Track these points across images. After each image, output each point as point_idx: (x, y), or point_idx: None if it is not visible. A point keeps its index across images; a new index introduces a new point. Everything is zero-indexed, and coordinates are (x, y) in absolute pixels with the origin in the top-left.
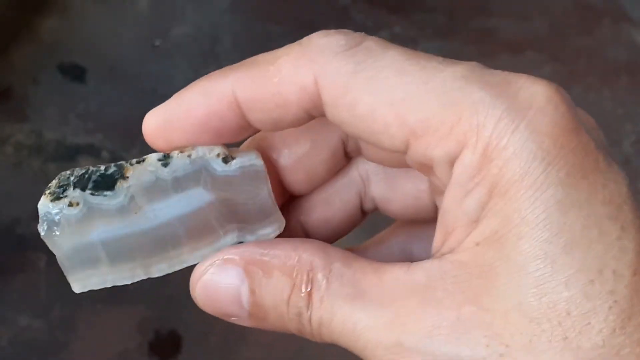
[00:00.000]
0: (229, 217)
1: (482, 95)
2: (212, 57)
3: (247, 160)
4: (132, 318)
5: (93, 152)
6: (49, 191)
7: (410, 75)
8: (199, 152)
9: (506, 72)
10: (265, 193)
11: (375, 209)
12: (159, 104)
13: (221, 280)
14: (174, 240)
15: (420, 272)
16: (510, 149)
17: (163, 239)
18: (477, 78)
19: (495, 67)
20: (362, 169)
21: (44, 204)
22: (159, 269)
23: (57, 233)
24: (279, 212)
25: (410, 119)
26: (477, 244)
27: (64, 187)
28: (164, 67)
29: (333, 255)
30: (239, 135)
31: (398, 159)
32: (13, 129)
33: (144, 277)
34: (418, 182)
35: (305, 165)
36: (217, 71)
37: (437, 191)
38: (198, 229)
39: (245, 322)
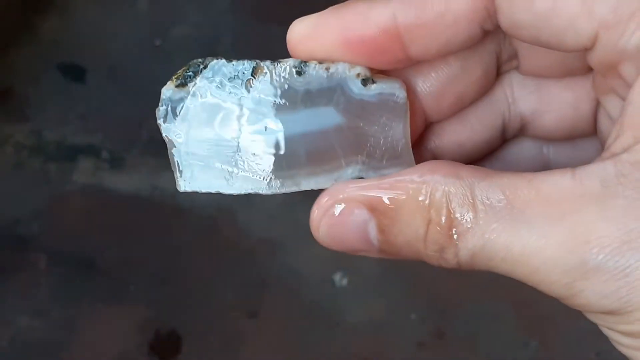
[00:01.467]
0: (355, 148)
1: None
2: (212, 57)
3: (389, 88)
4: (132, 318)
5: (93, 152)
6: (176, 76)
7: None
8: (339, 67)
9: None
10: (400, 129)
11: (518, 134)
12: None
13: (346, 220)
14: (292, 159)
15: (592, 178)
16: None
17: (281, 154)
18: None
19: None
20: (507, 85)
21: (168, 88)
22: (269, 186)
23: (175, 121)
24: (412, 156)
25: (599, 8)
26: None
27: (191, 75)
28: (164, 67)
29: (470, 178)
30: (390, 65)
31: (563, 66)
32: (13, 129)
33: (251, 192)
34: (577, 89)
35: (453, 88)
36: None
37: (604, 91)
38: (319, 153)
39: (375, 256)
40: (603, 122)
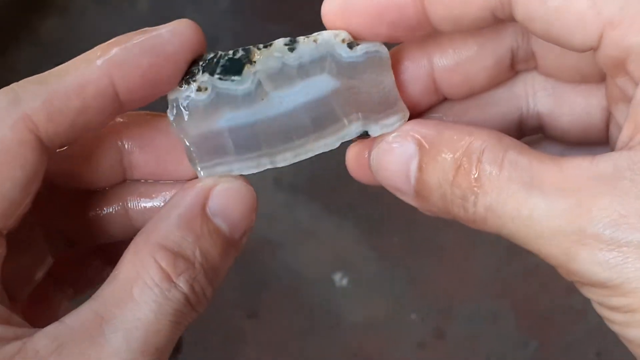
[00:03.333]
0: (354, 106)
1: None
2: None
3: (372, 46)
4: None
5: None
6: None
7: None
8: (325, 36)
9: None
10: (389, 81)
11: (535, 131)
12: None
13: (396, 150)
14: (299, 128)
15: (607, 162)
16: None
17: (288, 127)
18: None
19: None
20: (529, 83)
21: (173, 89)
22: (284, 158)
23: (186, 119)
24: (402, 103)
25: (606, 7)
26: None
27: (193, 72)
28: None
29: (508, 143)
30: (415, 31)
31: (576, 71)
32: None
33: (270, 167)
34: (590, 97)
35: (465, 67)
36: None
37: (615, 100)
38: (323, 117)
39: (411, 200)
40: (614, 132)
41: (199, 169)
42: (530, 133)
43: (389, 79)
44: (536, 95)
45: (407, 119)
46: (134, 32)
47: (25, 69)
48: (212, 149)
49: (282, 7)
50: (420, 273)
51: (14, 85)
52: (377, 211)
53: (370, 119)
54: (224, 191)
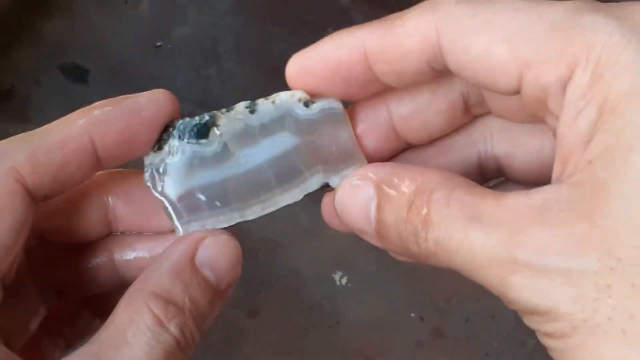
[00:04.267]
0: (314, 159)
1: (593, 19)
2: (213, 57)
3: (327, 103)
4: None
5: None
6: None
7: (522, 12)
8: (282, 97)
9: (620, 3)
10: (346, 135)
11: (496, 174)
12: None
13: (356, 193)
14: (265, 184)
15: (538, 195)
16: (620, 64)
17: (255, 183)
18: (589, 7)
19: None
20: (486, 127)
21: (148, 154)
22: (253, 212)
23: (161, 181)
24: (361, 153)
25: (522, 50)
26: (590, 162)
27: (164, 138)
28: (165, 67)
29: (456, 182)
30: (366, 88)
31: (522, 112)
32: (15, 129)
33: (240, 220)
34: (542, 136)
35: (422, 114)
36: (354, 26)
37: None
38: (286, 172)
39: (375, 241)
40: None
41: (177, 225)
42: (493, 176)
43: (345, 132)
44: (492, 139)
45: None
46: (114, 98)
47: (28, 70)
48: (187, 206)
49: (282, 8)
50: (419, 272)
51: (1, 141)
52: None
53: (330, 170)
54: (211, 244)
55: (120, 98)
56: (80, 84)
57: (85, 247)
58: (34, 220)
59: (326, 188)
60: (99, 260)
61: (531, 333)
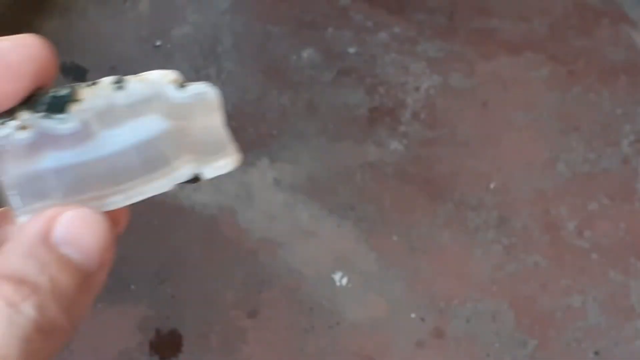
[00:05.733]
0: (185, 148)
1: None
2: (212, 57)
3: (201, 87)
4: (133, 317)
5: None
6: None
7: None
8: (153, 75)
9: None
10: (218, 123)
11: None
12: None
13: None
14: (129, 170)
15: None
16: None
17: (117, 169)
18: None
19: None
20: None
21: None
22: (113, 201)
23: (5, 158)
24: (233, 146)
25: None
26: None
27: (13, 110)
28: (165, 67)
29: None
30: None
31: None
32: None
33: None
34: None
35: None
36: None
37: None
38: (153, 159)
39: None
40: None
41: (19, 211)
42: None
43: (218, 120)
44: None
45: (239, 163)
46: None
47: None
48: (35, 191)
49: (282, 8)
50: (420, 273)
51: None
52: (377, 211)
53: (202, 161)
54: (69, 219)
55: None
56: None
57: None
58: None
59: (196, 180)
60: None
61: (532, 333)
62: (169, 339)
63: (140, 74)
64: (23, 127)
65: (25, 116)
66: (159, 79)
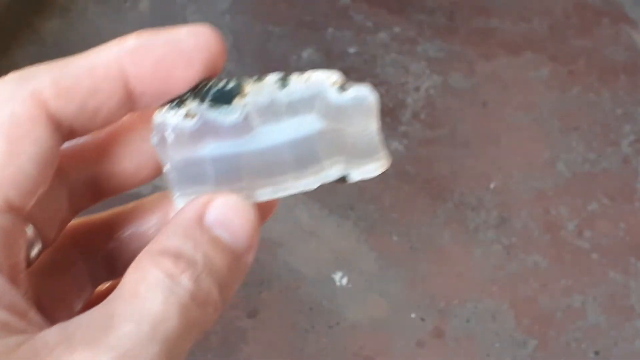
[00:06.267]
0: (337, 149)
1: None
2: None
3: (362, 90)
4: None
5: None
6: (168, 100)
7: None
8: (317, 76)
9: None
10: (374, 127)
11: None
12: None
13: None
14: (281, 165)
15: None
16: None
17: (271, 163)
18: None
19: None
20: None
21: (160, 113)
22: (263, 193)
23: (170, 143)
24: (385, 151)
25: None
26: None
27: (182, 98)
28: None
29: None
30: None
31: None
32: None
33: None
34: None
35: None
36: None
37: None
38: (305, 157)
39: None
40: None
41: (176, 194)
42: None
43: (374, 125)
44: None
45: (387, 167)
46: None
47: None
48: (192, 176)
49: (282, 8)
50: (420, 272)
51: (23, 69)
52: (377, 211)
53: (353, 163)
54: (221, 204)
55: (158, 29)
56: None
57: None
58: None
59: (343, 181)
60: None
61: (532, 333)
62: None
63: (304, 73)
64: (189, 115)
65: (192, 105)
66: (322, 80)
